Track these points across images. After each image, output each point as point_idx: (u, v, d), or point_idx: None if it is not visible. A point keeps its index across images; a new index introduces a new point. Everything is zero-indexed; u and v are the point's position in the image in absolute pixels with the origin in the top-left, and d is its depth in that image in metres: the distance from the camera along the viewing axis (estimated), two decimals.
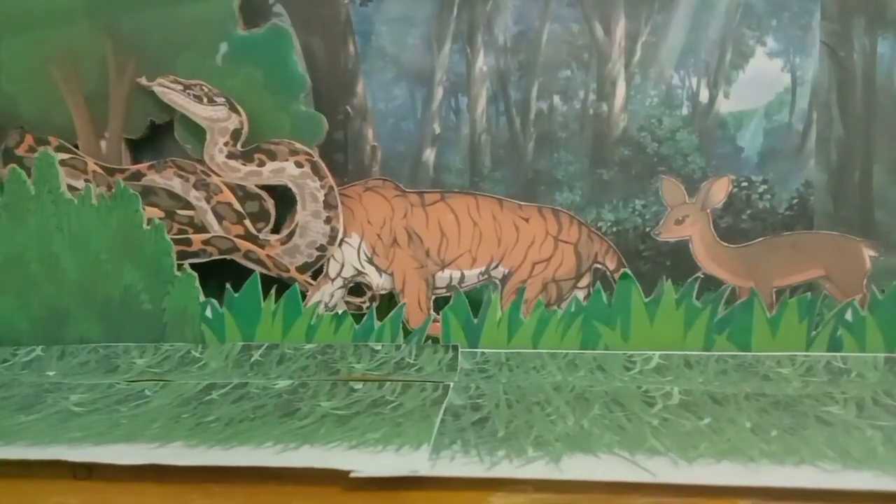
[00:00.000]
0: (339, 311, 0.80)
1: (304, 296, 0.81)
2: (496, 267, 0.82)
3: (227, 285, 0.80)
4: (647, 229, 0.88)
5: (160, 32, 0.85)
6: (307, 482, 0.47)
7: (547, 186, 0.87)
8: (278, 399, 0.66)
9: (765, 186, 0.88)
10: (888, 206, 0.86)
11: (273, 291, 0.80)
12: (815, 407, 0.62)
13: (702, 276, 0.78)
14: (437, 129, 0.92)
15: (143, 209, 0.81)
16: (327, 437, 0.55)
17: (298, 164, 0.81)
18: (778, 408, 0.62)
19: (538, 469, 0.47)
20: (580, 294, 0.82)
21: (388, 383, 0.70)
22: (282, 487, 0.47)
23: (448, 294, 0.82)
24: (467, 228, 0.82)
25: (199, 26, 0.84)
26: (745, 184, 0.88)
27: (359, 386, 0.69)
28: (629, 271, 0.78)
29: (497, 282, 0.82)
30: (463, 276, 0.82)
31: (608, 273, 0.83)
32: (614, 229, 0.89)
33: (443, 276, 0.83)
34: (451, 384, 0.70)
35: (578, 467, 0.48)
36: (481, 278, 0.83)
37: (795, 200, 0.88)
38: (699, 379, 0.72)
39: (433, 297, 0.83)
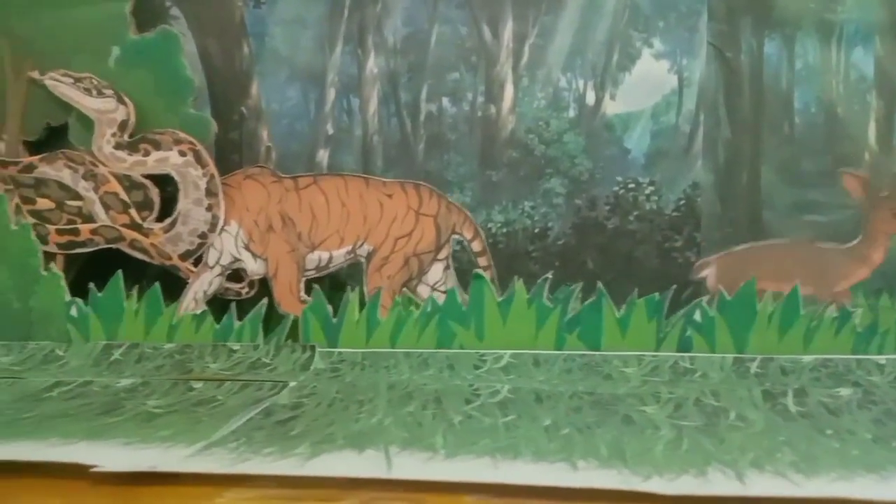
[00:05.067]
0: (199, 311, 0.81)
1: (185, 283, 0.83)
2: (361, 245, 0.83)
3: (91, 285, 0.82)
4: (536, 230, 0.88)
5: (55, 35, 0.87)
6: (59, 476, 0.48)
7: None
8: (113, 397, 0.67)
9: (652, 188, 0.88)
10: (775, 206, 0.86)
11: (135, 291, 0.81)
12: (633, 406, 0.62)
13: (551, 276, 0.78)
14: (331, 130, 0.92)
15: (19, 207, 0.84)
16: (116, 434, 0.56)
17: (182, 153, 0.83)
18: (595, 407, 0.63)
19: (283, 466, 0.48)
20: (439, 266, 0.83)
21: (228, 383, 0.71)
22: (36, 480, 0.48)
23: (318, 276, 0.83)
24: (336, 209, 0.84)
25: (92, 30, 0.86)
26: (631, 185, 0.88)
27: (198, 385, 0.70)
28: (481, 271, 0.79)
29: (363, 260, 0.83)
30: (331, 256, 0.84)
31: (465, 242, 0.83)
32: (504, 230, 0.89)
33: (312, 258, 0.84)
34: (291, 384, 0.70)
35: (323, 464, 0.49)
36: (348, 257, 0.84)
37: (682, 202, 0.88)
38: (540, 377, 0.72)
39: (303, 280, 0.84)
